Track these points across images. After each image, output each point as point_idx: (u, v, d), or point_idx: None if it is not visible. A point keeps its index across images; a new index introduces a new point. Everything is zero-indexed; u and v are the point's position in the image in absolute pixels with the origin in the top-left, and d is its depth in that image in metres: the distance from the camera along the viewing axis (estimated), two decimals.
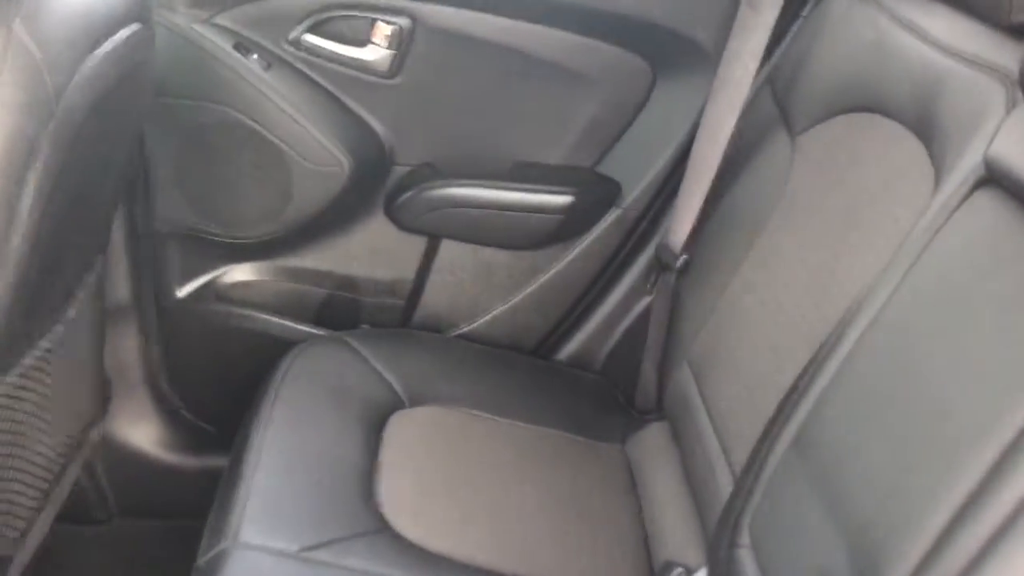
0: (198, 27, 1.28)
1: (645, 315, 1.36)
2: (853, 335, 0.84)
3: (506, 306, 1.44)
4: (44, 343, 1.04)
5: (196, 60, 1.28)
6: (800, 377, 0.90)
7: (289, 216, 1.38)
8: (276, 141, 1.32)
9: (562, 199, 1.37)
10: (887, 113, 1.00)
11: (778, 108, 1.19)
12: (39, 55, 0.83)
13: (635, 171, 1.37)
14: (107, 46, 0.93)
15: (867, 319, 0.83)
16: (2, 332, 0.86)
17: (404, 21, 1.29)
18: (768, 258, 1.09)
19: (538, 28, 1.31)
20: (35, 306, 0.95)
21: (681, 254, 1.25)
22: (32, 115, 0.82)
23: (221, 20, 1.29)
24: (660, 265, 1.30)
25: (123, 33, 0.98)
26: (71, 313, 1.11)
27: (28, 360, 1.01)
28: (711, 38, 1.28)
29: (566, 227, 1.39)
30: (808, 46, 1.17)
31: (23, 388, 1.01)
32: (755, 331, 1.06)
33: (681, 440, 1.16)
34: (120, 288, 1.37)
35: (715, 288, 1.17)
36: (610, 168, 1.39)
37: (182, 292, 1.42)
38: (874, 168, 0.99)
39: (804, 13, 1.23)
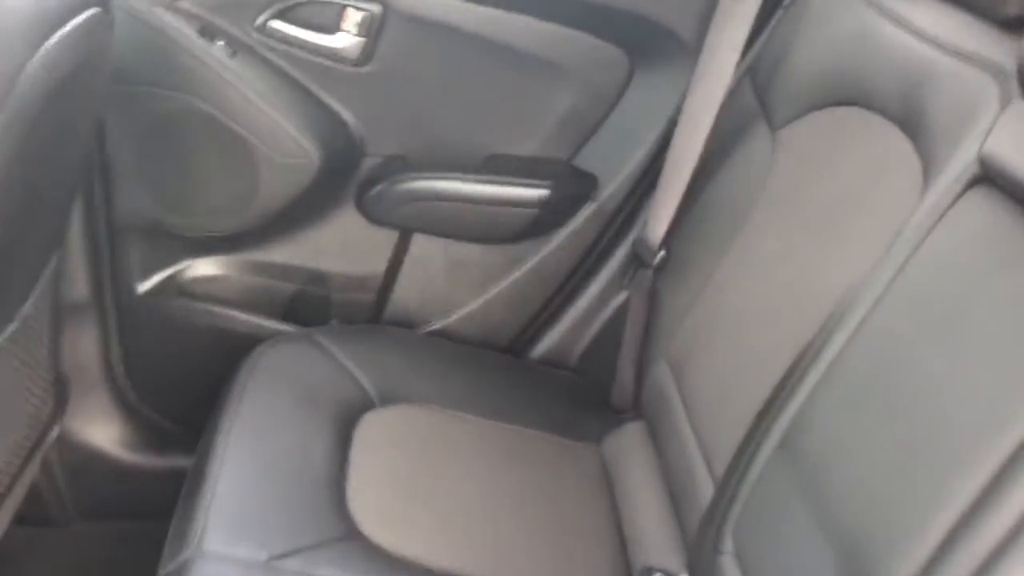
0: (160, 11, 1.22)
1: (621, 312, 1.33)
2: (841, 337, 0.82)
3: (479, 302, 1.40)
4: None
5: (158, 46, 1.23)
6: (785, 379, 0.87)
7: (255, 209, 1.33)
8: (242, 131, 1.28)
9: (537, 192, 1.34)
10: (871, 107, 0.98)
11: (758, 101, 1.17)
12: None
13: (612, 164, 1.34)
14: (63, 32, 0.88)
15: (856, 320, 0.81)
16: None
17: (375, 7, 1.25)
18: (749, 255, 1.07)
19: (512, 16, 1.27)
20: None
21: (659, 250, 1.22)
22: None
23: (184, 4, 1.23)
24: (637, 261, 1.27)
25: (80, 18, 0.93)
26: (26, 310, 1.06)
27: None
28: (690, 28, 1.25)
29: (541, 221, 1.36)
30: (789, 38, 1.14)
31: None
32: (736, 329, 1.03)
33: (659, 440, 1.14)
34: (78, 283, 1.32)
35: (694, 285, 1.14)
36: (586, 161, 1.36)
37: (143, 287, 1.37)
38: (859, 164, 0.96)
39: (785, 3, 1.21)
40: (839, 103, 1.02)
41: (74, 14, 0.92)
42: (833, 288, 0.89)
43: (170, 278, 1.38)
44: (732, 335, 1.03)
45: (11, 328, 1.03)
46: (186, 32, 1.23)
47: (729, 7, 1.15)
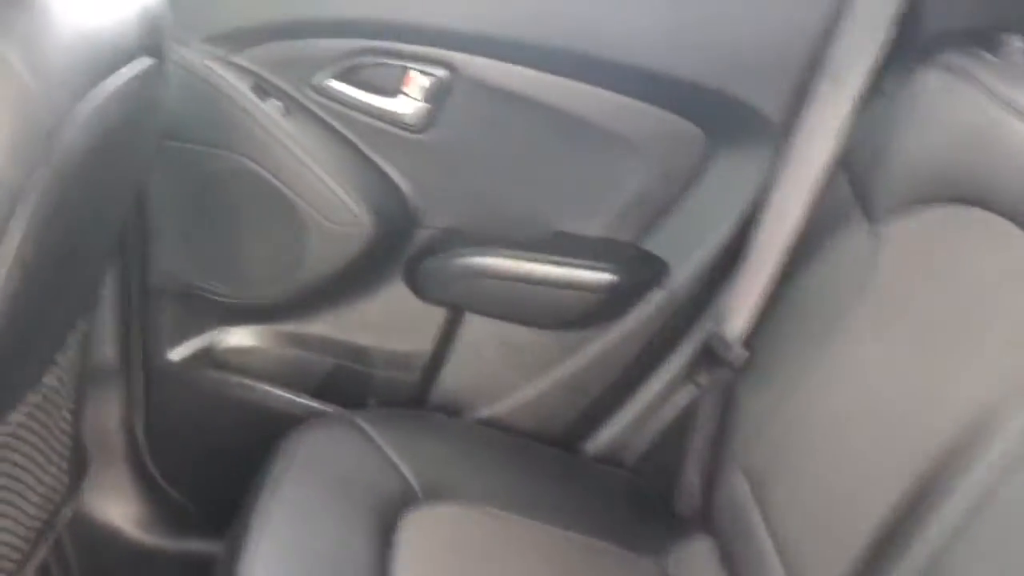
0: (213, 65, 1.16)
1: (688, 410, 1.23)
2: (981, 470, 0.71)
3: (532, 390, 1.30)
4: (16, 416, 0.90)
5: (209, 101, 1.16)
6: (905, 512, 0.76)
7: (299, 278, 1.25)
8: (291, 195, 1.20)
9: (602, 276, 1.24)
10: (994, 209, 0.88)
11: (854, 191, 1.08)
12: (33, 86, 0.70)
13: (684, 250, 1.24)
14: (113, 81, 0.81)
15: (998, 452, 0.70)
16: None
17: (441, 72, 1.17)
18: (846, 363, 0.96)
19: (584, 87, 1.19)
20: (8, 378, 0.82)
21: (738, 347, 1.12)
22: (18, 158, 0.69)
23: (239, 59, 1.17)
24: (711, 357, 1.17)
25: (132, 67, 0.85)
26: (49, 380, 0.97)
27: None
28: (778, 108, 1.15)
29: (604, 307, 1.26)
30: (893, 125, 1.05)
31: None
32: (833, 447, 0.92)
33: (734, 563, 1.02)
34: (106, 348, 1.24)
35: (779, 389, 1.04)
36: (656, 245, 1.26)
37: (174, 355, 1.29)
38: (982, 271, 0.86)
39: (885, 88, 1.12)
40: (955, 201, 0.92)
41: (125, 62, 0.84)
42: (964, 411, 0.78)
43: (203, 347, 1.30)
44: (829, 453, 0.92)
45: (32, 400, 0.94)
46: (239, 88, 1.16)
47: (827, 90, 1.07)
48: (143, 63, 0.88)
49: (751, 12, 1.13)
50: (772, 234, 1.10)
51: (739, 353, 1.12)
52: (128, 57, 0.84)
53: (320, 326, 1.31)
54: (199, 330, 1.29)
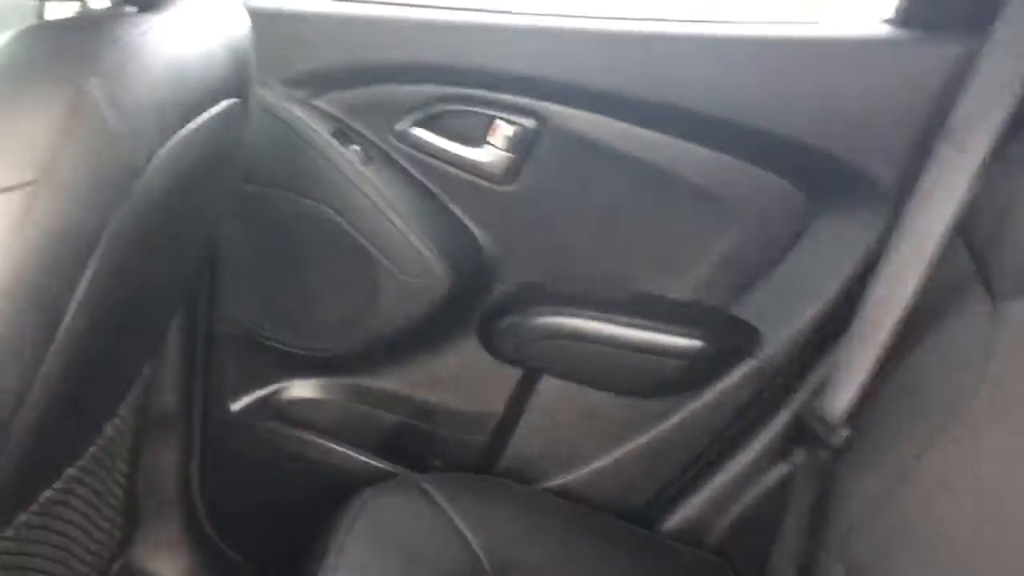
0: (293, 108, 1.12)
1: (778, 491, 1.14)
2: None
3: (609, 460, 1.22)
4: (71, 471, 0.85)
5: (288, 145, 1.12)
6: None
7: (369, 330, 1.20)
8: (366, 244, 1.15)
9: (688, 342, 1.17)
10: None
11: (975, 265, 0.99)
12: (117, 125, 0.65)
13: (778, 318, 1.16)
14: (198, 121, 0.76)
15: None
16: (19, 469, 0.66)
17: (529, 122, 1.12)
18: (966, 454, 0.88)
19: (677, 142, 1.13)
20: (66, 431, 0.76)
21: (840, 426, 1.04)
22: (98, 200, 0.65)
23: (320, 102, 1.13)
24: (806, 434, 1.09)
25: (218, 107, 0.80)
26: (108, 432, 0.92)
27: (49, 493, 0.81)
28: (890, 172, 1.08)
29: (690, 375, 1.18)
30: (1018, 195, 0.97)
31: (39, 528, 0.82)
32: (953, 546, 0.83)
33: None
34: (167, 396, 1.19)
35: (887, 477, 0.95)
36: (748, 311, 1.18)
37: (236, 405, 1.24)
38: None
39: (1008, 155, 1.04)
40: None
41: (213, 102, 0.80)
42: None
43: (265, 398, 1.25)
44: (947, 554, 0.83)
45: (91, 451, 0.89)
46: (319, 132, 1.12)
47: (947, 154, 0.99)
48: (229, 103, 0.84)
49: (865, 70, 1.06)
50: (882, 305, 1.02)
51: (841, 433, 1.03)
52: (215, 97, 0.80)
53: (388, 381, 1.25)
54: (262, 380, 1.25)
